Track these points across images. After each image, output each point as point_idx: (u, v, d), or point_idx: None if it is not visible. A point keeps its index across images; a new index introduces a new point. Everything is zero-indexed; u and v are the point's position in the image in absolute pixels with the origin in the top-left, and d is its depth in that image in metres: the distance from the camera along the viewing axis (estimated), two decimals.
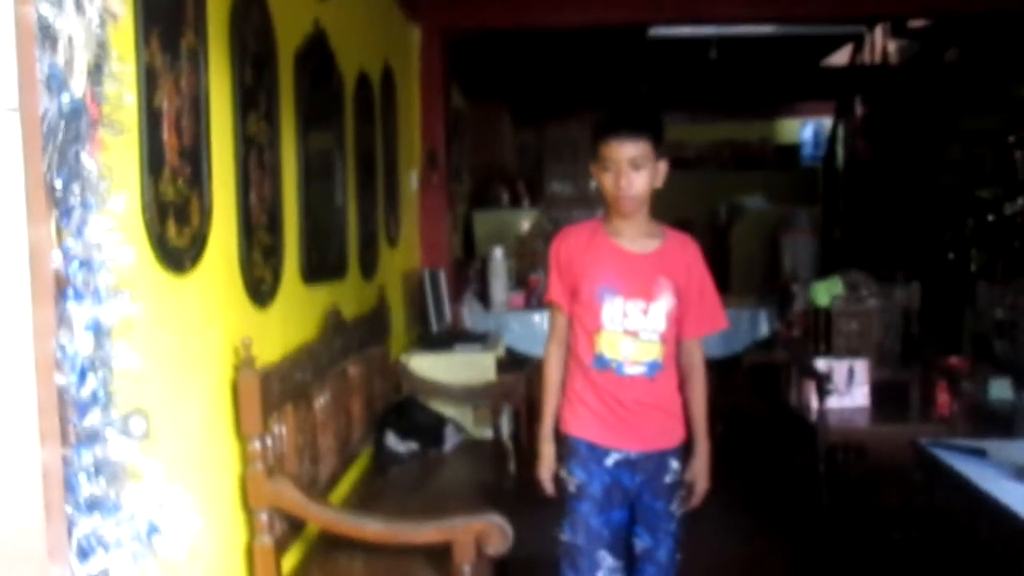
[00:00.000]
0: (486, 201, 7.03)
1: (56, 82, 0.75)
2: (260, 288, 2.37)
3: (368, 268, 3.63)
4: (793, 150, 9.53)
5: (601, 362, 2.22)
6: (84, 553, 0.75)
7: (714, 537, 3.41)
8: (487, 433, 3.74)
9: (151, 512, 0.96)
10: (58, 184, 0.79)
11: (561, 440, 2.31)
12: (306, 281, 2.80)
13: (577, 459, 2.25)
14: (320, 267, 2.94)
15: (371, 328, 3.49)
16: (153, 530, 0.96)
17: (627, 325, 2.21)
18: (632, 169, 2.14)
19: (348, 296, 3.30)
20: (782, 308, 5.39)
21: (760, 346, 5.51)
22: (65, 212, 0.85)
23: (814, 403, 3.67)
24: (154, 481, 1.01)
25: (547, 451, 2.32)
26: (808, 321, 4.79)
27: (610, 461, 2.23)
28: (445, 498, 2.88)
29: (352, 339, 3.16)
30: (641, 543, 2.28)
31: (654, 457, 2.25)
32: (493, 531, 2.12)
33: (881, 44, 7.57)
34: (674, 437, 2.30)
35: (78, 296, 0.85)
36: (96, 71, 0.93)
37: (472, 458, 3.41)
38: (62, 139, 0.77)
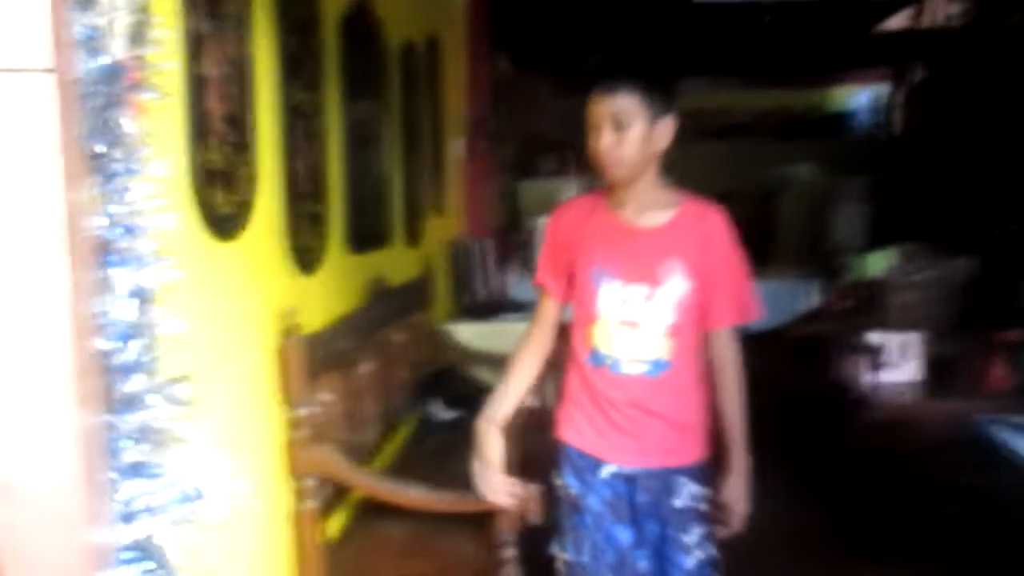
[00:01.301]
0: (531, 170, 6.98)
1: (94, 44, 0.74)
2: (305, 255, 2.38)
3: (412, 236, 3.63)
4: (845, 118, 9.28)
5: (596, 358, 1.88)
6: (127, 518, 0.75)
7: (756, 507, 3.37)
8: (531, 402, 3.73)
9: (194, 477, 0.96)
10: (98, 148, 0.78)
11: (554, 445, 2.00)
12: (351, 249, 2.80)
13: (571, 467, 1.94)
14: (365, 235, 2.94)
15: (415, 296, 3.50)
16: (196, 495, 0.96)
17: (626, 314, 1.84)
18: (614, 128, 1.76)
19: (392, 264, 3.31)
20: (831, 279, 5.29)
21: (807, 318, 5.42)
22: (107, 177, 0.84)
23: (862, 377, 3.60)
24: (197, 446, 1.01)
25: (487, 447, 1.95)
26: (858, 293, 4.68)
27: (605, 474, 1.90)
28: None
29: (396, 307, 3.16)
30: (643, 568, 1.92)
31: (658, 475, 1.88)
32: (534, 500, 2.12)
33: (941, 8, 7.32)
34: (685, 453, 1.90)
35: (121, 261, 0.85)
36: (138, 35, 0.92)
37: (515, 427, 3.40)
38: (100, 102, 0.76)
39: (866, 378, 3.58)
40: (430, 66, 3.98)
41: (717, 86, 8.43)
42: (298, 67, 2.32)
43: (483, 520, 2.18)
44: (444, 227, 4.34)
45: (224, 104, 1.88)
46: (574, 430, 1.94)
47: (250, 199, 2.01)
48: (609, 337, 1.86)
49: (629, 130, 1.76)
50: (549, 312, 2.02)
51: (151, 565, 0.72)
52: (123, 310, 0.83)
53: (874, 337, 3.83)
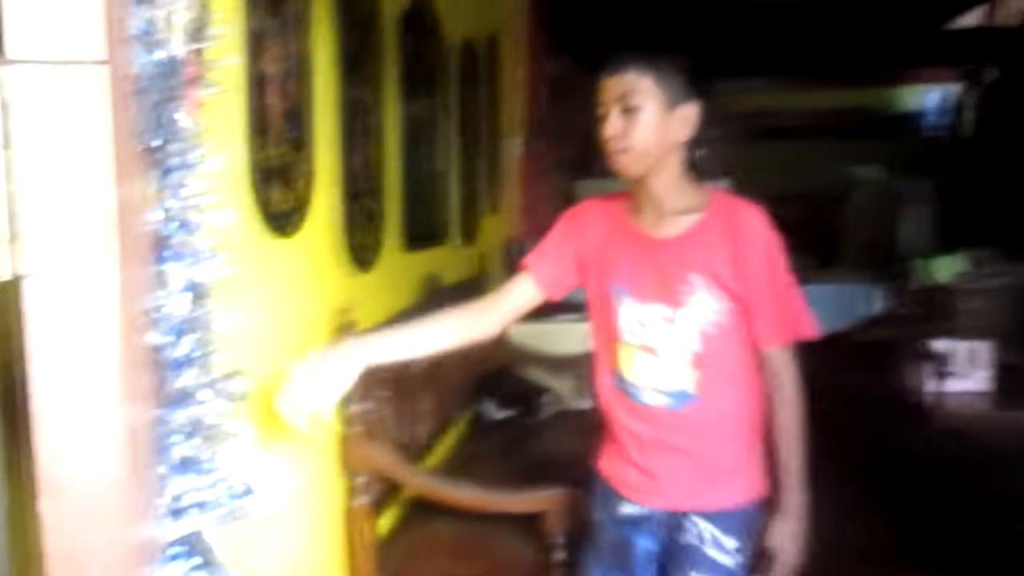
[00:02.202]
0: (589, 169, 6.93)
1: (151, 39, 0.74)
2: (361, 253, 2.39)
3: (468, 235, 3.63)
4: (913, 118, 9.04)
5: (619, 382, 1.69)
6: (176, 513, 0.75)
7: (817, 514, 3.30)
8: (585, 403, 3.70)
9: (244, 473, 0.96)
10: (154, 143, 0.78)
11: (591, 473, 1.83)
12: (406, 246, 2.81)
13: (600, 497, 1.78)
14: (420, 233, 2.95)
15: (470, 295, 3.47)
16: (246, 491, 0.96)
17: (644, 339, 1.62)
18: (621, 111, 1.54)
19: (447, 262, 3.31)
20: (896, 284, 5.15)
21: (871, 323, 5.28)
22: (163, 172, 0.85)
23: (927, 384, 3.49)
24: (249, 442, 1.01)
25: (331, 356, 1.62)
26: (924, 298, 4.55)
27: (623, 512, 1.71)
28: (539, 467, 2.87)
29: (450, 305, 3.16)
30: None
31: (682, 518, 1.66)
32: (584, 502, 2.09)
33: (1016, 5, 7.07)
34: (715, 497, 1.65)
35: (175, 256, 0.85)
36: (196, 31, 0.92)
37: (568, 428, 3.38)
38: (157, 97, 0.76)
39: (931, 386, 3.47)
40: (489, 64, 3.97)
41: (780, 85, 8.29)
42: (357, 65, 2.33)
43: (534, 521, 2.17)
44: (500, 226, 4.34)
45: (283, 101, 1.89)
46: (603, 455, 1.79)
47: (307, 196, 2.02)
48: (630, 361, 1.65)
49: (639, 114, 1.53)
50: (517, 295, 1.79)
51: (199, 561, 0.72)
52: (177, 305, 0.83)
53: (940, 344, 3.71)
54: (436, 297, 3.01)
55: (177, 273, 0.85)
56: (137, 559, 0.62)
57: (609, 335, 1.68)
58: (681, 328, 1.58)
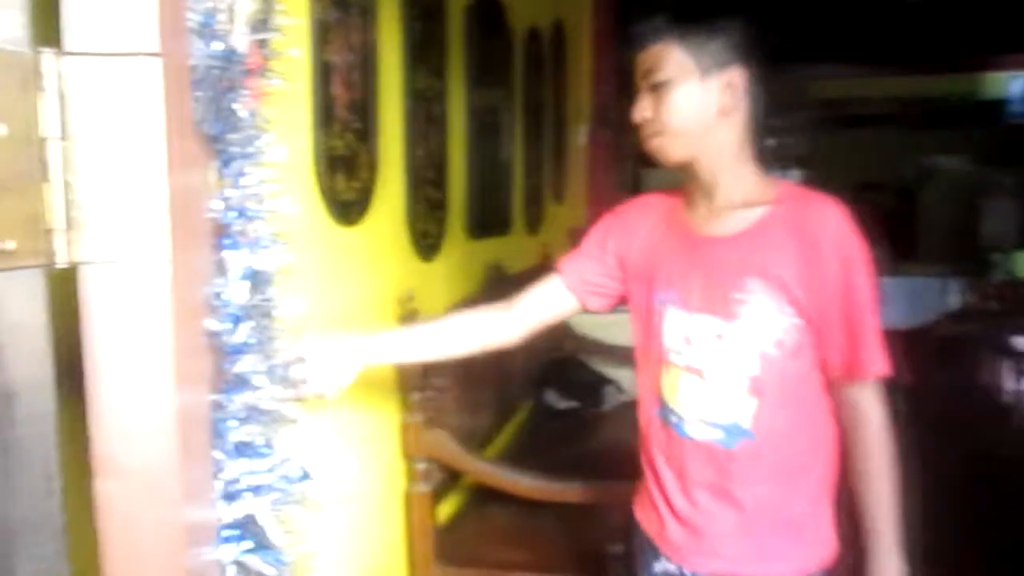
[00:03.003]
0: (656, 159, 6.86)
1: (212, 29, 0.76)
2: (425, 241, 2.41)
3: (532, 224, 3.63)
4: (998, 106, 8.69)
5: (663, 410, 1.39)
6: (231, 496, 0.76)
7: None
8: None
9: (304, 458, 0.98)
10: (213, 132, 0.80)
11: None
12: (470, 235, 2.82)
13: (637, 548, 1.50)
14: (484, 222, 2.96)
15: (533, 284, 3.49)
16: (303, 475, 0.98)
17: (690, 358, 1.34)
18: (650, 90, 1.31)
19: (511, 251, 3.31)
20: (978, 278, 4.97)
21: (951, 318, 5.11)
22: (223, 161, 0.86)
23: (1007, 382, 3.37)
24: (308, 427, 1.03)
25: (348, 337, 1.45)
26: (1007, 293, 4.38)
27: (660, 572, 1.42)
28: (600, 458, 2.86)
29: (514, 294, 3.16)
30: None
31: None
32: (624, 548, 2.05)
33: None
34: (774, 560, 1.35)
35: (235, 244, 0.87)
36: (261, 22, 0.94)
37: (630, 420, 3.35)
38: (217, 87, 0.77)
39: (1011, 384, 3.35)
40: (555, 52, 3.95)
41: (861, 72, 8.04)
42: (422, 54, 2.35)
43: (594, 511, 2.16)
44: (564, 215, 4.32)
45: (349, 91, 1.91)
46: (640, 501, 1.49)
47: (372, 185, 2.04)
48: (674, 386, 1.36)
49: (668, 89, 1.29)
50: (544, 301, 1.55)
51: (252, 544, 0.74)
52: (237, 292, 0.85)
53: (1021, 341, 3.57)
54: (499, 285, 3.01)
55: (237, 260, 0.86)
56: (191, 540, 0.64)
57: (654, 355, 1.39)
58: (734, 346, 1.29)
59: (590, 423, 3.29)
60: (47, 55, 0.53)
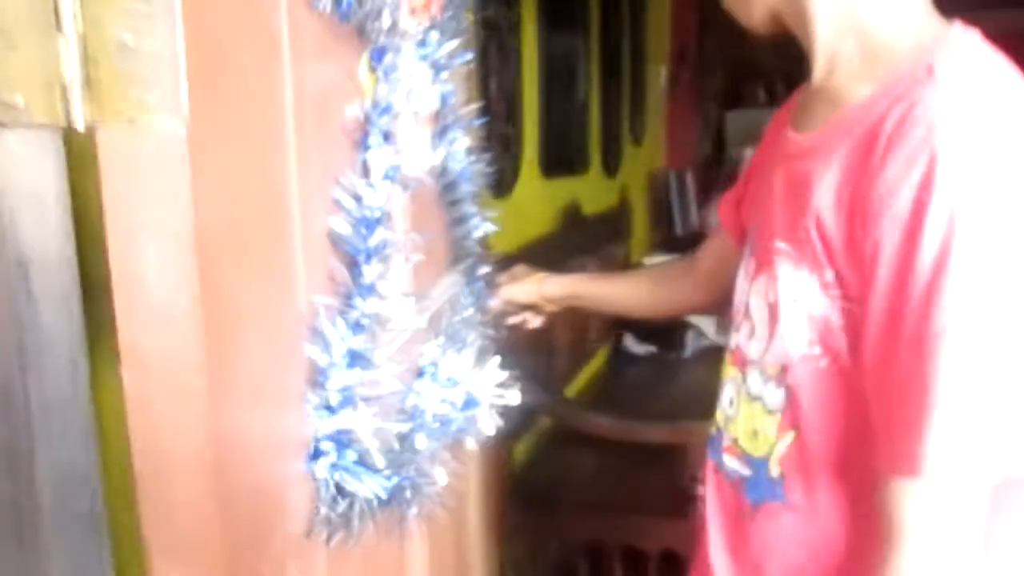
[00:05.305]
0: (740, 99, 6.62)
1: None
2: (497, 178, 2.34)
3: (610, 165, 3.52)
4: None
5: (714, 423, 1.02)
6: (333, 408, 0.70)
7: None
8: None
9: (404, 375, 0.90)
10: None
11: None
12: (545, 174, 2.74)
13: None
14: (560, 161, 2.87)
15: (611, 226, 3.40)
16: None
17: (740, 336, 0.93)
18: None
19: (588, 192, 3.22)
20: None
21: None
22: (375, 55, 0.81)
23: None
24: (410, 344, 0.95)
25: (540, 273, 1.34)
26: None
27: None
28: (680, 402, 2.78)
29: (591, 236, 3.09)
30: None
31: None
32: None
33: None
34: None
35: (377, 145, 0.80)
36: None
37: (711, 365, 3.24)
38: None
39: None
40: None
41: None
42: None
43: (673, 454, 2.09)
44: (644, 157, 4.20)
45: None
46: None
47: None
48: (722, 386, 0.99)
49: None
50: (712, 250, 1.20)
51: (353, 456, 0.68)
52: (373, 195, 0.77)
53: None
54: (575, 226, 2.94)
55: (379, 160, 0.79)
56: (290, 450, 0.60)
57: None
58: (775, 312, 0.84)
59: (670, 368, 3.21)
60: None
